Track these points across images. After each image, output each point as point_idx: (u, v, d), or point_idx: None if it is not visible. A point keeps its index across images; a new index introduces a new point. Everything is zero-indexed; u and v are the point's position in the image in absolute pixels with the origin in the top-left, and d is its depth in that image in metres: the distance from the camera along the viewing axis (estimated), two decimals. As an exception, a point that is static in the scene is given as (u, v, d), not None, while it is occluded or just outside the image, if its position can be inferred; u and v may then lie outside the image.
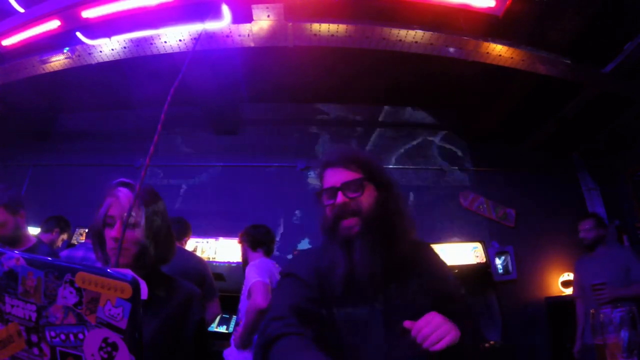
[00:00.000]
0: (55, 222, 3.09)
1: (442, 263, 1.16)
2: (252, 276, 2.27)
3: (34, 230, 3.05)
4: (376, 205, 1.03)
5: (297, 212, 4.19)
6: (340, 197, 1.02)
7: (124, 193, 1.06)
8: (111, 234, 1.02)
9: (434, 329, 0.85)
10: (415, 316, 0.91)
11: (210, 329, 3.05)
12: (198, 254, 3.47)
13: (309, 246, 3.97)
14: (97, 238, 1.06)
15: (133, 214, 1.02)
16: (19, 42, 2.83)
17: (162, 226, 1.09)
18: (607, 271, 2.57)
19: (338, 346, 0.93)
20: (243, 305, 2.33)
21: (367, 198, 1.03)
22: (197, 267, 2.57)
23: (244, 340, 2.19)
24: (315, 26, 2.72)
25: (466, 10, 2.49)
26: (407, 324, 0.89)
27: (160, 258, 1.10)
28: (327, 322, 0.95)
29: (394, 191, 1.08)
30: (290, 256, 3.75)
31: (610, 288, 2.45)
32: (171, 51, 2.93)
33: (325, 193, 1.06)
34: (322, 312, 0.96)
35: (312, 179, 4.32)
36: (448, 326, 0.87)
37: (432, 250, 1.18)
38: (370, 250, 0.98)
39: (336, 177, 1.05)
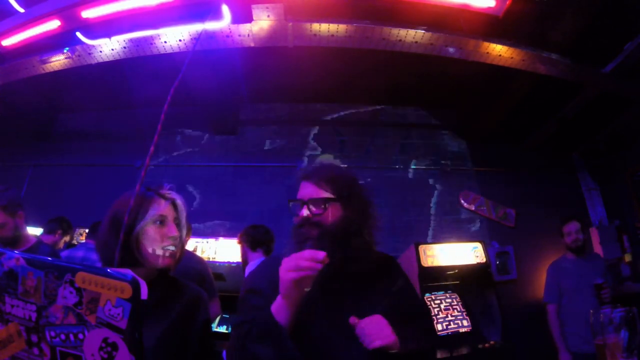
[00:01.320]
0: (57, 224, 3.09)
1: (403, 276, 1.22)
2: (252, 276, 2.27)
3: (34, 231, 3.05)
4: (337, 223, 1.09)
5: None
6: (304, 211, 1.10)
7: (176, 195, 1.13)
8: (171, 232, 1.05)
9: (376, 329, 0.93)
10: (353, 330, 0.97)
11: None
12: (198, 254, 3.47)
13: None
14: (127, 238, 1.01)
15: (181, 215, 1.11)
16: (19, 42, 2.83)
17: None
18: (598, 273, 2.58)
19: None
20: (243, 305, 2.33)
21: (329, 216, 1.09)
22: (197, 267, 2.57)
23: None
24: (315, 26, 2.73)
25: (466, 10, 2.49)
26: (352, 319, 0.95)
27: (179, 259, 1.14)
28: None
29: (360, 211, 1.13)
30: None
31: (611, 287, 2.47)
32: (171, 51, 2.93)
33: (294, 204, 1.15)
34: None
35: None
36: (389, 330, 0.94)
37: (395, 264, 1.24)
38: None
39: (306, 191, 1.13)
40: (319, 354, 0.97)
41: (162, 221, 1.06)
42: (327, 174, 1.15)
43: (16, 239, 1.87)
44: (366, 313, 0.99)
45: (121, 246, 0.99)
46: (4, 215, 1.82)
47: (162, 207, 1.07)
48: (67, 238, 3.17)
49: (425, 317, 1.20)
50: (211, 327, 1.23)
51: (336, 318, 1.00)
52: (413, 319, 1.07)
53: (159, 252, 1.03)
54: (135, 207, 1.03)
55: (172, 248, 1.05)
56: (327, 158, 4.45)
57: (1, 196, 1.84)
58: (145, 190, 1.08)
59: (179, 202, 1.13)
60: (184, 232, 1.13)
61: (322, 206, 1.10)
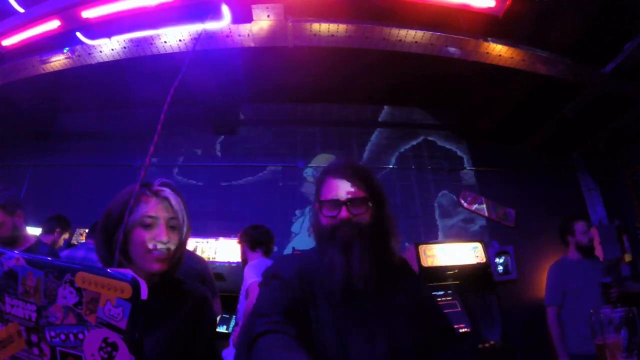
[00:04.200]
0: (55, 223, 3.08)
1: (420, 279, 1.26)
2: (250, 277, 2.28)
3: (35, 231, 3.04)
4: (372, 223, 1.05)
5: (297, 212, 4.19)
6: (344, 212, 1.02)
7: (170, 193, 1.00)
8: (159, 236, 0.94)
9: None
10: (392, 324, 0.99)
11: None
12: (198, 254, 3.47)
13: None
14: (111, 238, 0.96)
15: (178, 216, 0.99)
16: (19, 42, 2.83)
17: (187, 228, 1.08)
18: (601, 272, 2.58)
19: (319, 346, 0.95)
20: (242, 305, 2.34)
21: (366, 216, 1.04)
22: (198, 267, 2.57)
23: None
24: (315, 26, 2.72)
25: (466, 10, 2.49)
26: None
27: (180, 262, 1.08)
28: (310, 323, 0.97)
29: (387, 210, 1.10)
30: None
31: (618, 286, 2.46)
32: (171, 51, 2.93)
33: (327, 204, 1.05)
34: (305, 314, 0.97)
35: (310, 177, 4.32)
36: None
37: (411, 267, 1.24)
38: (367, 255, 1.00)
39: (341, 189, 1.04)
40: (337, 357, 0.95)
41: (150, 223, 0.95)
42: (360, 171, 1.08)
43: (15, 239, 1.87)
44: (387, 317, 1.00)
45: (105, 247, 0.97)
46: (2, 214, 1.82)
47: (150, 207, 0.97)
48: (66, 236, 3.15)
49: (442, 315, 1.18)
50: (216, 328, 1.22)
51: (358, 322, 0.99)
52: (431, 319, 1.08)
53: (146, 256, 0.94)
54: (124, 206, 0.94)
55: (159, 253, 0.94)
56: (328, 158, 4.45)
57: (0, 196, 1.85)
58: (139, 187, 0.96)
59: (174, 201, 1.00)
60: (184, 232, 1.01)
61: (363, 206, 1.03)
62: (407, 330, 1.00)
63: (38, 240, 2.01)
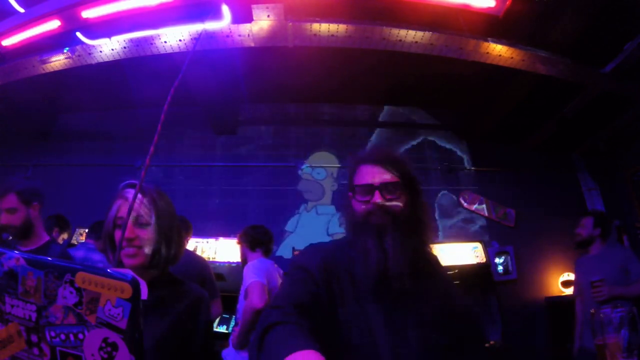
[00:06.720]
0: (54, 222, 3.06)
1: (451, 280, 1.19)
2: (250, 276, 2.27)
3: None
4: (407, 211, 1.02)
5: (296, 211, 4.19)
6: (377, 197, 1.01)
7: (132, 194, 1.04)
8: (126, 234, 1.00)
9: None
10: (424, 323, 0.95)
11: (210, 329, 3.05)
12: (198, 254, 3.47)
13: (308, 246, 3.98)
14: (108, 241, 1.06)
15: (143, 213, 1.03)
16: (19, 42, 2.83)
17: (171, 225, 1.09)
18: (605, 270, 2.55)
19: (348, 342, 0.93)
20: (241, 305, 2.33)
21: (400, 203, 1.02)
22: (198, 268, 2.57)
23: (241, 340, 2.19)
24: (315, 26, 2.73)
25: (466, 10, 2.50)
26: None
27: (170, 258, 1.09)
28: (335, 320, 0.95)
29: (421, 199, 1.08)
30: (297, 252, 3.75)
31: (609, 286, 2.44)
32: (171, 51, 2.93)
33: (360, 189, 1.04)
34: (329, 309, 0.95)
35: (307, 174, 4.33)
36: None
37: (443, 266, 1.19)
38: (402, 242, 0.98)
39: (374, 175, 1.03)
40: (367, 353, 0.93)
41: (121, 223, 1.01)
42: (393, 157, 1.07)
43: (26, 232, 1.78)
44: (420, 314, 0.96)
45: (112, 249, 1.05)
46: (16, 200, 1.75)
47: (116, 208, 1.05)
48: (64, 235, 3.12)
49: (473, 317, 1.13)
50: (212, 330, 1.23)
51: (389, 319, 0.96)
52: (463, 321, 1.03)
53: (122, 253, 1.00)
54: (109, 209, 1.06)
55: (128, 250, 1.01)
56: (325, 156, 4.45)
57: (20, 182, 1.80)
58: (138, 187, 1.01)
59: (138, 200, 1.04)
60: (155, 228, 1.05)
61: (396, 192, 1.02)
62: (438, 330, 0.96)
63: (51, 239, 1.93)
